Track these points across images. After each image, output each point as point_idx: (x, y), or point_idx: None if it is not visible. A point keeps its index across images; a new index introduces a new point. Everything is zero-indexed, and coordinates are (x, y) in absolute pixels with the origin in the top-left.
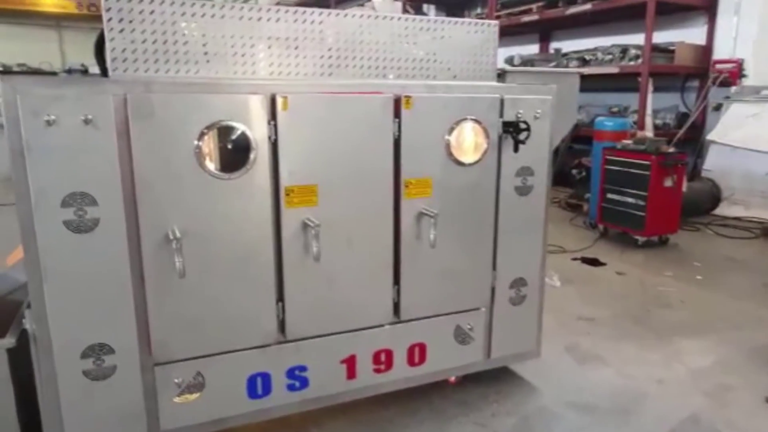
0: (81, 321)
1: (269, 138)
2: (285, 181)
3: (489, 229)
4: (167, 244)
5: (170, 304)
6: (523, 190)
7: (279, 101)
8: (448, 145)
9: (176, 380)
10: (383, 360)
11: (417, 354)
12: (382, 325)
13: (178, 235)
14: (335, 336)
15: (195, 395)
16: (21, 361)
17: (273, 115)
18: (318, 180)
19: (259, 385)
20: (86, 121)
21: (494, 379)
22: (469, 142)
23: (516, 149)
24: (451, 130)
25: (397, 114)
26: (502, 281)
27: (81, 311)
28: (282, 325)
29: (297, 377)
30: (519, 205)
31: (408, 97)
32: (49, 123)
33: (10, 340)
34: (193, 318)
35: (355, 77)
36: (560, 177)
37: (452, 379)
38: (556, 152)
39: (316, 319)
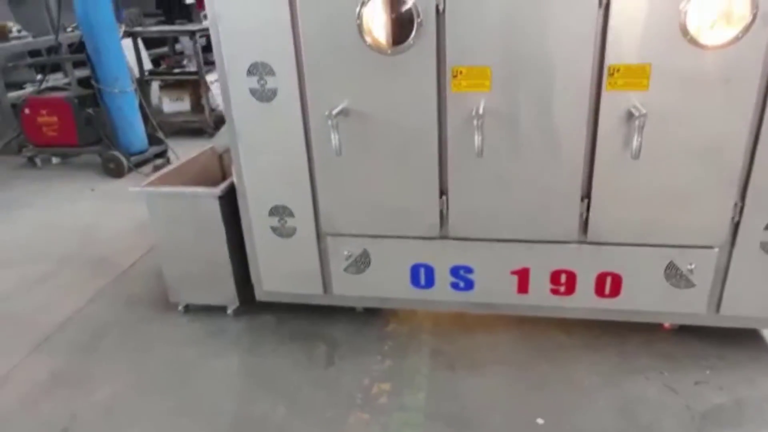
0: (268, 182)
1: (436, 8)
2: (452, 60)
3: (737, 144)
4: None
5: (334, 181)
6: None
7: None
8: (684, 17)
9: (345, 252)
10: (563, 282)
11: (609, 284)
12: (563, 242)
13: (334, 111)
14: (505, 243)
15: (362, 269)
16: (233, 210)
17: None
18: (492, 61)
19: (422, 276)
20: None
21: (725, 340)
22: (719, 11)
23: None
24: None
25: None
26: (753, 217)
27: (267, 173)
28: (445, 221)
29: (462, 277)
30: None
31: None
32: None
33: (218, 189)
34: (356, 197)
35: None
36: None
37: (666, 324)
38: None
39: (483, 220)
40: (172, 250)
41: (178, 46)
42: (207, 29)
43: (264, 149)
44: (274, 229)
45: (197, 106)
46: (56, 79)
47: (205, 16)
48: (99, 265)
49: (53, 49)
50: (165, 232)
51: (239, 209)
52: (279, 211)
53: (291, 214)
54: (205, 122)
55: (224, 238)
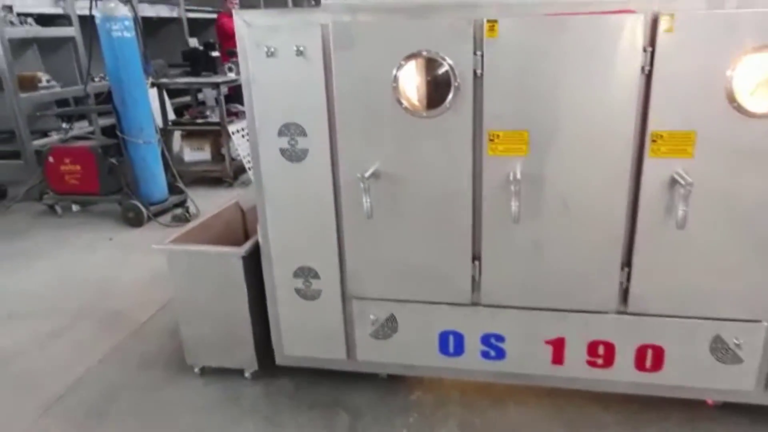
0: (294, 243)
1: (474, 72)
2: (489, 124)
3: None
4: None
5: (362, 243)
6: None
7: (486, 26)
8: (729, 85)
9: (372, 317)
10: (601, 353)
11: (650, 357)
12: (602, 312)
13: (366, 174)
14: (539, 311)
15: (388, 335)
16: (257, 269)
17: (479, 44)
18: (530, 125)
19: (451, 343)
20: (298, 52)
21: None
22: (766, 78)
23: None
24: (735, 64)
25: (651, 41)
26: None
27: (294, 234)
28: (477, 287)
29: (492, 346)
30: None
31: (669, 15)
32: (268, 54)
33: (243, 249)
34: (385, 260)
35: None
36: None
37: (709, 400)
38: None
39: (516, 287)
40: (191, 309)
41: (199, 96)
42: (230, 81)
43: (292, 209)
44: (298, 291)
45: (217, 155)
46: (81, 127)
47: (230, 68)
48: (114, 320)
49: (81, 99)
50: (185, 291)
51: (263, 269)
52: (304, 273)
53: (316, 276)
54: (225, 172)
55: (246, 298)
